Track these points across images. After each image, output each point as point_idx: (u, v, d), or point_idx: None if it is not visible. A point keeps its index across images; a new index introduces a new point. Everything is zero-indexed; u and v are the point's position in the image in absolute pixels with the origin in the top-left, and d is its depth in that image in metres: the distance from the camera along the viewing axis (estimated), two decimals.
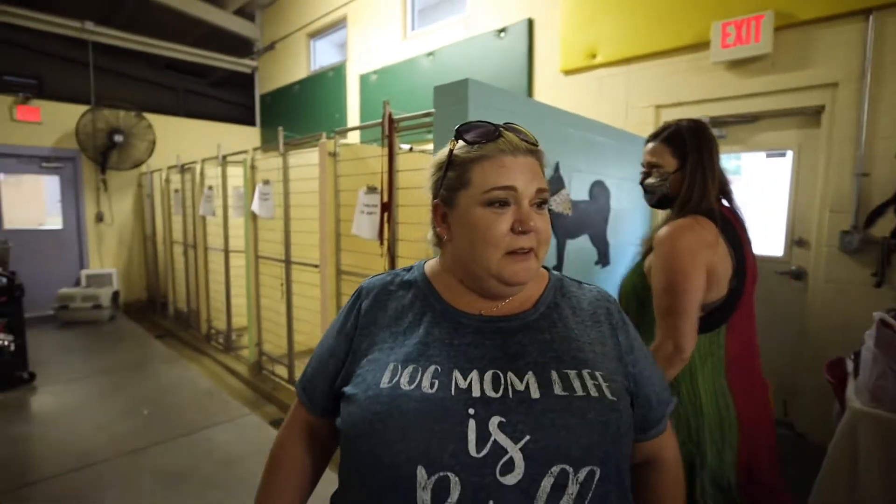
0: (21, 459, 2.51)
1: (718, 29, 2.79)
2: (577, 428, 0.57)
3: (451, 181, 0.67)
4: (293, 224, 3.30)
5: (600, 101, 3.44)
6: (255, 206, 3.52)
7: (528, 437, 0.56)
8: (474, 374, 0.61)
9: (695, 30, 2.95)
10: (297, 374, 3.37)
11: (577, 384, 0.61)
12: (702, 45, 2.92)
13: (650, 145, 1.39)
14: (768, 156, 2.84)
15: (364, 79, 5.40)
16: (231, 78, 7.59)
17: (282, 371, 3.51)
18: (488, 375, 0.61)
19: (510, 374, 0.61)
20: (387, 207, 2.47)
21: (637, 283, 1.35)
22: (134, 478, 2.33)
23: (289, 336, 3.37)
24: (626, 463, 0.64)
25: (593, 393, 0.60)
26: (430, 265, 0.76)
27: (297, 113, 6.42)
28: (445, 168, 0.69)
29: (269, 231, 3.55)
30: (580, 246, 2.37)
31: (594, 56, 3.43)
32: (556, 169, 2.15)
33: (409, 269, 0.78)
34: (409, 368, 0.63)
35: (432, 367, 0.62)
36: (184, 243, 4.91)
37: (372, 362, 0.66)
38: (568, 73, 3.61)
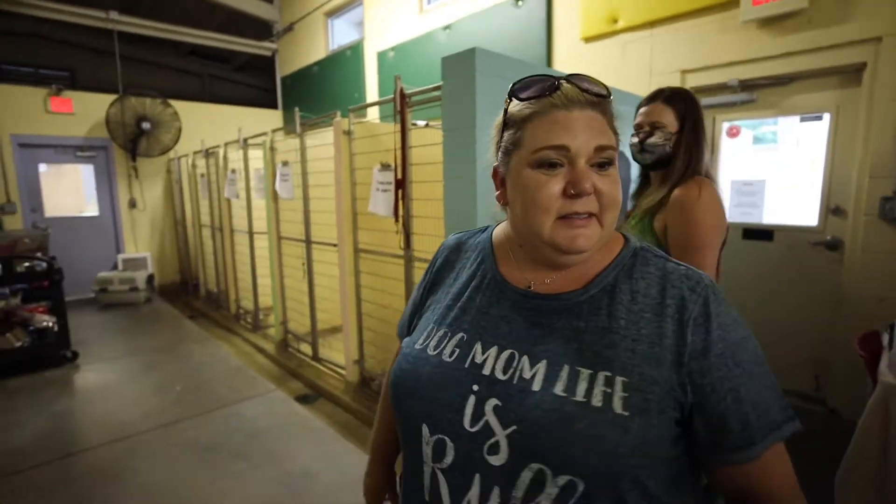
0: (65, 432, 2.67)
1: None
2: (558, 434, 0.53)
3: (506, 143, 0.63)
4: (312, 204, 3.33)
5: (623, 68, 3.30)
6: (277, 186, 3.57)
7: (514, 427, 0.55)
8: (493, 351, 0.61)
9: None
10: (321, 351, 3.44)
11: (581, 387, 0.54)
12: (731, 4, 2.74)
13: (652, 105, 1.41)
14: (802, 119, 2.67)
15: (381, 56, 5.35)
16: (253, 62, 7.65)
17: (306, 349, 3.60)
18: (505, 354, 0.60)
19: (525, 359, 0.59)
20: (401, 184, 2.45)
21: (652, 244, 1.34)
22: (167, 449, 2.45)
23: (311, 314, 3.43)
24: (642, 487, 0.53)
25: (595, 401, 0.53)
26: (500, 228, 0.74)
27: (317, 93, 6.43)
28: (502, 129, 0.65)
29: (290, 212, 3.59)
30: None
31: (616, 21, 3.28)
32: None
33: (484, 229, 0.78)
34: (441, 332, 0.66)
35: (460, 335, 0.64)
36: (211, 226, 5.04)
37: (423, 319, 0.72)
38: (589, 40, 3.47)
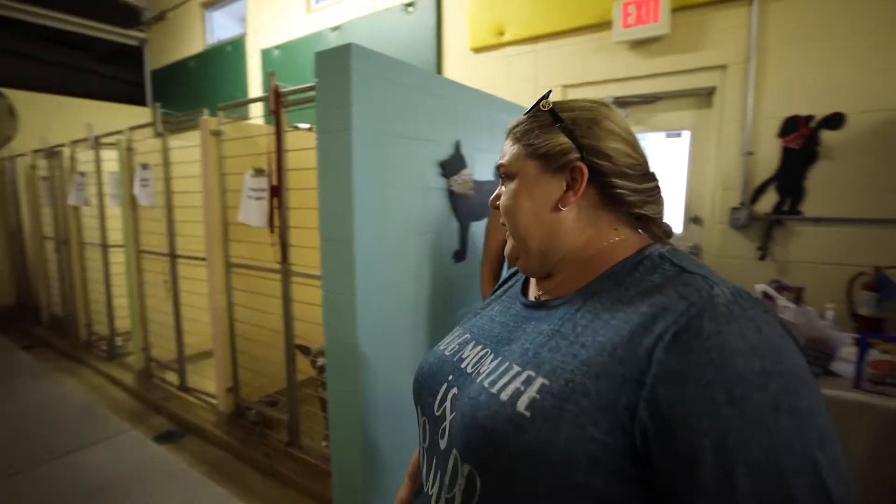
0: None
1: (620, 8, 2.79)
2: (467, 422, 0.53)
3: None
4: (178, 213, 2.94)
5: (510, 80, 3.36)
6: (136, 192, 3.09)
7: (454, 414, 0.57)
8: (477, 349, 0.63)
9: (598, 8, 2.93)
10: (190, 380, 3.03)
11: (502, 381, 0.53)
12: (605, 25, 2.91)
13: None
14: (667, 136, 2.90)
15: (266, 54, 4.98)
16: (118, 52, 6.74)
17: (172, 378, 3.15)
18: (482, 352, 0.62)
19: (490, 356, 0.60)
20: (276, 191, 2.22)
21: None
22: None
23: (178, 338, 3.01)
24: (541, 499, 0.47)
25: (503, 395, 0.51)
26: None
27: (194, 91, 5.83)
28: None
29: (152, 222, 3.14)
30: (484, 228, 2.27)
31: (502, 34, 3.34)
32: (457, 147, 2.02)
33: None
34: (457, 332, 0.71)
35: (466, 335, 0.68)
36: (56, 238, 4.27)
37: None
38: (477, 50, 3.50)
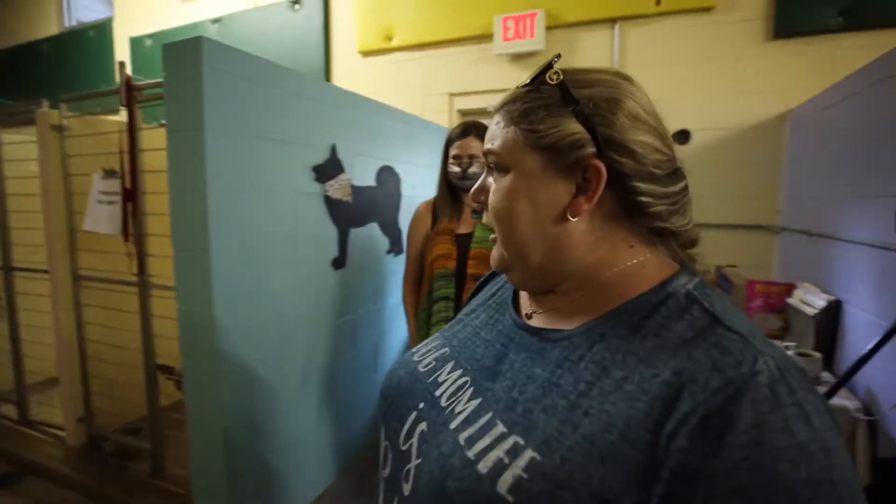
0: None
1: (500, 22, 2.91)
2: (435, 485, 0.44)
3: None
4: (13, 219, 2.54)
5: (398, 85, 3.37)
6: None
7: (419, 461, 0.48)
8: (456, 374, 0.53)
9: (481, 21, 3.04)
10: (32, 412, 2.62)
11: (483, 443, 0.42)
12: (487, 37, 3.03)
13: (467, 139, 1.73)
14: None
15: (136, 43, 4.51)
16: None
17: (9, 410, 2.70)
18: (460, 381, 0.52)
19: (470, 391, 0.50)
20: (130, 195, 2.00)
21: None
22: None
23: (15, 365, 2.59)
24: None
25: (482, 466, 0.41)
26: None
27: (48, 79, 5.11)
28: None
29: None
30: (368, 234, 2.24)
31: (391, 39, 3.34)
32: (333, 152, 1.97)
33: None
34: (437, 342, 0.61)
35: (445, 349, 0.59)
36: None
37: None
38: (366, 54, 3.46)
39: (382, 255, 2.38)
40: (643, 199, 0.45)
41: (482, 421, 0.45)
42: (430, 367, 0.57)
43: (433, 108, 3.24)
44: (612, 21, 2.75)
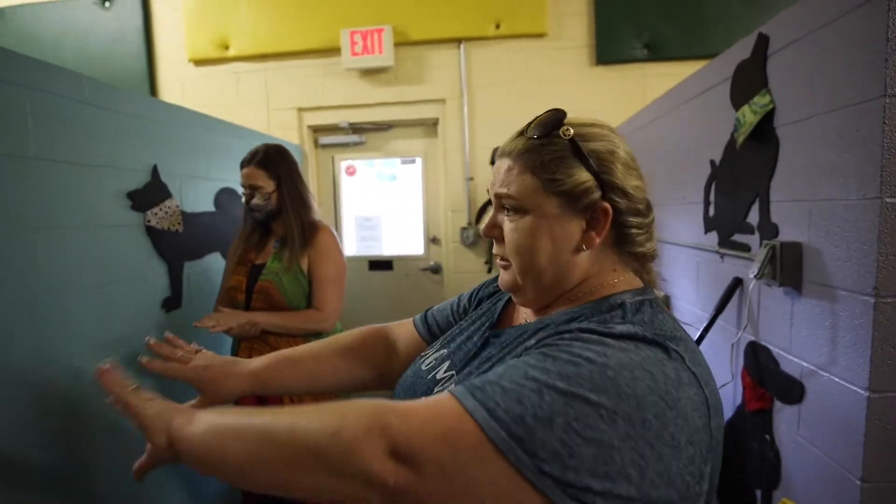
0: None
1: (347, 36, 2.82)
2: None
3: None
4: None
5: (239, 99, 3.06)
6: None
7: None
8: (451, 372, 0.65)
9: (327, 34, 2.90)
10: None
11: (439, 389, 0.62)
12: (335, 51, 2.90)
13: (248, 168, 1.64)
14: (402, 162, 3.05)
15: None
16: None
17: None
18: (447, 371, 0.65)
19: (454, 381, 0.62)
20: None
21: (299, 276, 1.63)
22: None
23: None
24: None
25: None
26: None
27: None
28: None
29: None
30: (209, 266, 1.95)
31: (227, 47, 3.02)
32: (154, 174, 1.67)
33: None
34: (437, 345, 0.74)
35: (444, 351, 0.70)
36: None
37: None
38: (198, 63, 3.09)
39: None
40: (632, 230, 0.57)
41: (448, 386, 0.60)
42: (430, 366, 0.69)
43: (281, 123, 3.00)
44: (458, 41, 2.84)
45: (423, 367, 0.70)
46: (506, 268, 0.62)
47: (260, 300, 1.61)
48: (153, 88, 3.15)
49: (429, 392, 0.64)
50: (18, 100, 1.22)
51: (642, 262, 0.61)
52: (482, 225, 0.66)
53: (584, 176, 0.54)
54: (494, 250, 0.63)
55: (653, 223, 0.60)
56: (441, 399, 0.47)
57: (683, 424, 0.43)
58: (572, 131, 0.55)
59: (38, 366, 1.22)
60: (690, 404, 0.45)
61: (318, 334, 1.62)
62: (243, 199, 1.67)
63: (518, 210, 0.57)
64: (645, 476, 0.41)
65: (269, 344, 1.59)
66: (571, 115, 0.58)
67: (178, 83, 3.12)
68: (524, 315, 0.67)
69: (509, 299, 0.73)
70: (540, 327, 0.56)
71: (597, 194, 0.54)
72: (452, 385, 0.60)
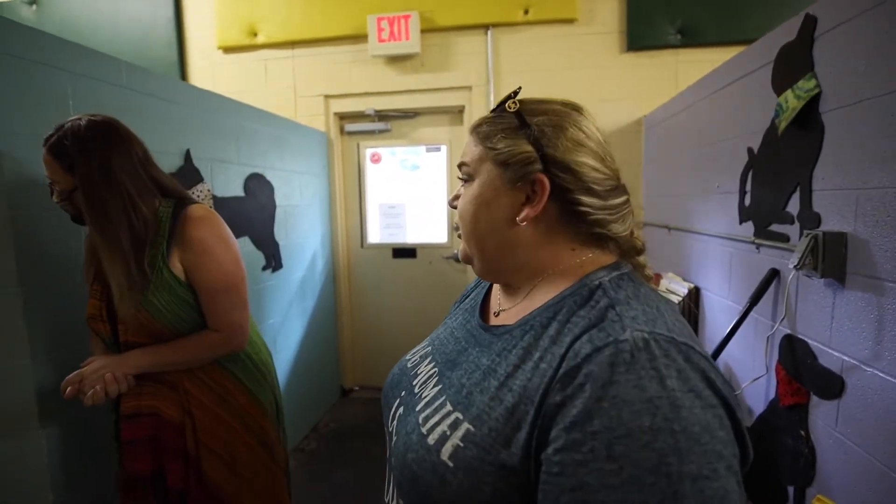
0: None
1: (374, 23, 2.81)
2: (399, 458, 0.54)
3: None
4: None
5: (267, 86, 3.09)
6: None
7: (395, 438, 0.57)
8: (430, 365, 0.63)
9: (354, 21, 2.90)
10: None
11: (433, 420, 0.53)
12: (362, 37, 2.90)
13: (45, 157, 1.05)
14: (427, 150, 3.05)
15: None
16: None
17: None
18: (432, 371, 0.62)
19: (435, 379, 0.60)
20: None
21: (174, 287, 1.09)
22: None
23: None
24: None
25: (430, 439, 0.51)
26: None
27: None
28: None
29: None
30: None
31: (256, 34, 3.05)
32: (187, 158, 1.70)
33: None
34: (425, 342, 0.72)
35: (429, 347, 0.69)
36: None
37: None
38: (228, 50, 3.12)
39: (257, 273, 2.14)
40: (583, 209, 0.54)
41: (437, 403, 0.55)
42: (415, 362, 0.67)
43: (308, 110, 3.03)
44: (485, 27, 2.80)
45: (409, 365, 0.68)
46: (460, 237, 0.62)
47: (129, 332, 1.11)
48: (184, 76, 3.20)
49: (407, 387, 0.63)
50: (61, 84, 1.26)
51: (624, 254, 0.57)
52: None
53: (524, 147, 0.54)
54: (456, 222, 0.64)
55: (623, 206, 0.56)
56: None
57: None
58: (518, 105, 0.56)
59: (75, 344, 1.27)
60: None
61: (231, 354, 1.20)
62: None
63: (469, 178, 0.60)
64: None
65: (160, 381, 1.13)
66: (549, 95, 0.60)
67: (209, 70, 3.16)
68: (497, 300, 0.65)
69: (489, 289, 0.71)
70: (526, 331, 0.52)
71: (536, 167, 0.53)
72: (434, 379, 0.59)
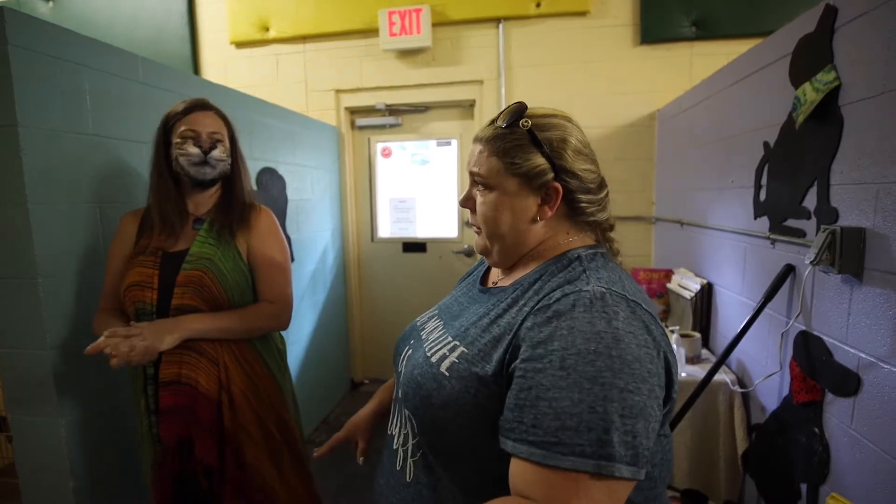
0: None
1: (385, 17, 2.80)
2: (407, 376, 0.68)
3: None
4: None
5: (278, 81, 3.10)
6: None
7: (403, 371, 0.72)
8: (436, 320, 0.77)
9: (365, 15, 2.90)
10: None
11: (436, 348, 0.67)
12: (373, 31, 2.90)
13: (209, 114, 1.25)
14: (438, 144, 3.04)
15: None
16: None
17: None
18: (437, 322, 0.76)
19: (441, 327, 0.73)
20: None
21: (239, 263, 1.25)
22: None
23: None
24: (460, 458, 0.63)
25: (433, 359, 0.66)
26: None
27: None
28: None
29: None
30: None
31: (267, 29, 3.06)
32: None
33: None
34: (434, 308, 0.85)
35: (436, 311, 0.82)
36: None
37: None
38: (239, 45, 3.14)
39: None
40: (583, 205, 0.68)
41: (441, 339, 0.69)
42: (423, 321, 0.81)
43: (319, 105, 3.03)
44: (497, 21, 2.78)
45: (418, 323, 0.82)
46: (478, 233, 0.73)
47: (187, 295, 1.15)
48: (197, 70, 3.23)
49: (415, 337, 0.76)
50: (78, 78, 1.28)
51: (603, 233, 0.72)
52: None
53: (539, 160, 0.65)
54: (469, 219, 0.75)
55: (606, 198, 0.70)
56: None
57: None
58: (531, 122, 0.65)
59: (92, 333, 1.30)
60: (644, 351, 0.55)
61: (264, 338, 1.30)
62: (195, 150, 1.19)
63: (486, 186, 0.69)
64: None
65: (202, 353, 1.17)
66: (534, 107, 0.69)
67: (221, 65, 3.18)
68: (497, 274, 0.78)
69: (488, 267, 0.84)
70: (516, 287, 0.66)
71: (550, 175, 0.65)
72: (440, 328, 0.73)
